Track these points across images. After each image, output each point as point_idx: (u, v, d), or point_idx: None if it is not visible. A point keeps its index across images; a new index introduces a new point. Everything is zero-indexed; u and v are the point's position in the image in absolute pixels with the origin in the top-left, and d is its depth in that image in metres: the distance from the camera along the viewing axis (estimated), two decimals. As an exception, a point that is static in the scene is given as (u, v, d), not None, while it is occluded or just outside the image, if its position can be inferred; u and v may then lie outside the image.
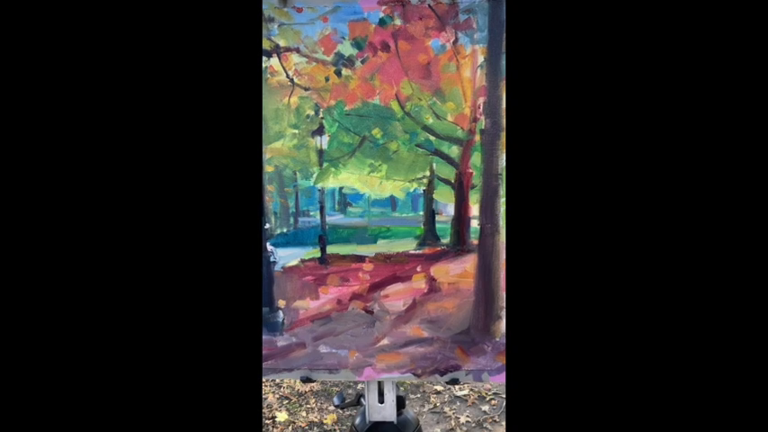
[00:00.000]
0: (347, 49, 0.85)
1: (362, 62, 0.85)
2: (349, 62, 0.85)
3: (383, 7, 0.84)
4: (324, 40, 0.85)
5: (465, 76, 0.85)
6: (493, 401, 2.28)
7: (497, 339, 0.91)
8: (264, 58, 0.85)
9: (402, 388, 2.32)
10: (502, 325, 0.90)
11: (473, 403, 2.27)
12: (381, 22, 0.84)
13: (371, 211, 0.90)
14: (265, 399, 2.30)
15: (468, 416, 2.18)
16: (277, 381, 2.39)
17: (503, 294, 0.90)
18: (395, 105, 0.86)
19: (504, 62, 0.83)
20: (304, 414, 2.21)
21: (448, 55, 0.84)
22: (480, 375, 0.91)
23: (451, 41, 0.84)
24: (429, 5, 0.83)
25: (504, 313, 0.90)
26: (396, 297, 0.91)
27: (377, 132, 0.87)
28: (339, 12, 0.84)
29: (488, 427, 2.12)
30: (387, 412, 0.97)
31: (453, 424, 2.13)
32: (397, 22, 0.84)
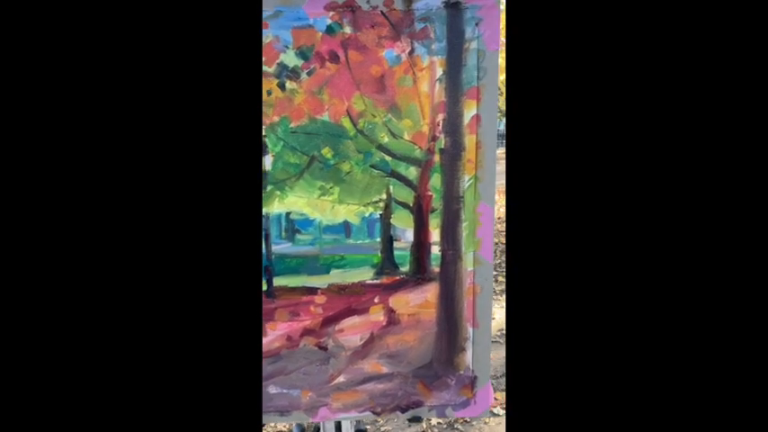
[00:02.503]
0: (291, 59, 0.76)
1: (309, 74, 0.76)
2: (293, 74, 0.76)
3: (331, 13, 0.74)
4: (265, 49, 0.75)
5: (422, 91, 0.76)
6: (464, 401, 2.26)
7: (461, 372, 0.84)
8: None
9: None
10: (466, 357, 0.84)
11: (444, 403, 2.24)
12: (329, 30, 0.75)
13: (323, 238, 0.82)
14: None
15: (439, 417, 2.15)
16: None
17: (466, 325, 0.83)
18: (346, 122, 0.78)
19: (464, 76, 0.75)
20: (271, 421, 2.14)
21: (403, 67, 0.76)
22: (444, 411, 0.85)
23: (407, 52, 0.76)
24: (382, 12, 0.74)
25: (468, 344, 0.84)
26: (352, 331, 0.83)
27: (327, 152, 0.79)
28: (281, 17, 0.75)
29: (460, 427, 2.09)
30: (345, 450, 0.91)
31: (425, 425, 2.10)
32: (347, 29, 0.75)
